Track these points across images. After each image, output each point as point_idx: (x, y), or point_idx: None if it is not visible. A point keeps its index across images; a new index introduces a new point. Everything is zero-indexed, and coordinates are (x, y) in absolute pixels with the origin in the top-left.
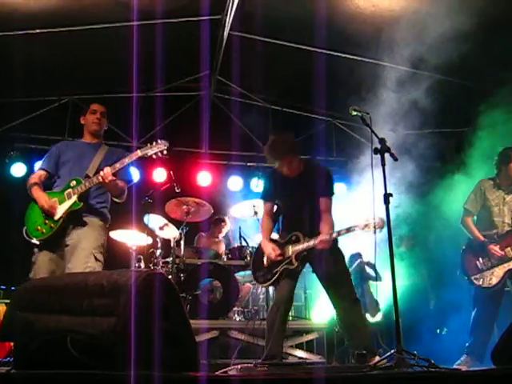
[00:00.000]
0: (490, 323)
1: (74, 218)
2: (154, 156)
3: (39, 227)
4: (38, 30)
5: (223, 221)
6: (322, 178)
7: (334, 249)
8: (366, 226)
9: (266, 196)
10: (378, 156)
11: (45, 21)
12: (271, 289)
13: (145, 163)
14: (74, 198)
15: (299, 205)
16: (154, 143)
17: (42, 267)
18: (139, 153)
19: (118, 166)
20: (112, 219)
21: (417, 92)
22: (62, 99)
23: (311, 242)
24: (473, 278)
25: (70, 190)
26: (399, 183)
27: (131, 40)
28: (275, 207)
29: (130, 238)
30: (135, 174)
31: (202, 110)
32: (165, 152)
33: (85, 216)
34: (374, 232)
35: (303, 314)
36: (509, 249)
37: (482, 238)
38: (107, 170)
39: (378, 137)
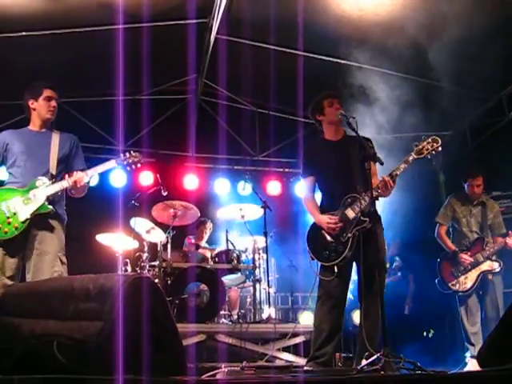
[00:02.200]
0: (483, 324)
1: (41, 221)
2: (127, 168)
3: (1, 226)
4: (24, 33)
5: (205, 223)
6: (367, 142)
7: (381, 232)
8: (419, 150)
9: (308, 169)
10: None
11: (30, 24)
12: (258, 292)
13: None
14: (42, 201)
15: (349, 167)
16: (128, 154)
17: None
18: (115, 163)
19: (91, 172)
20: (98, 223)
21: (405, 96)
22: None
23: (373, 193)
24: (450, 284)
25: (36, 190)
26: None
27: (117, 43)
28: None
29: (116, 241)
30: (121, 179)
31: (188, 114)
32: (138, 165)
33: (49, 219)
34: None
35: (290, 317)
36: (479, 254)
37: (453, 248)
38: (81, 176)
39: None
